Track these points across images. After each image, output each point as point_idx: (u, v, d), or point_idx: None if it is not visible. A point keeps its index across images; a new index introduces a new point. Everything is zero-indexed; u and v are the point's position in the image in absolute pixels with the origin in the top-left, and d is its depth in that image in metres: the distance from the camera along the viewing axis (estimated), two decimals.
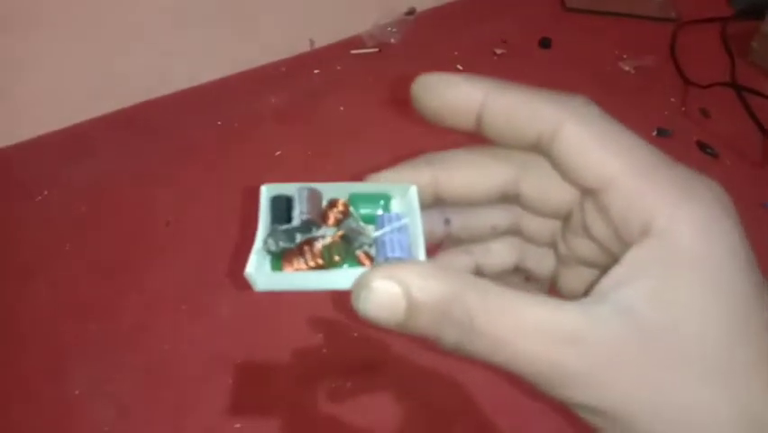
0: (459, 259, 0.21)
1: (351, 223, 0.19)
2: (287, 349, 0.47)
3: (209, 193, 0.58)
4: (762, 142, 0.61)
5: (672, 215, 0.15)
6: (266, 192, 0.19)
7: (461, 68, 0.71)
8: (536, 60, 0.72)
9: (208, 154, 0.62)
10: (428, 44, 0.74)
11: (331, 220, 0.19)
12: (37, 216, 0.57)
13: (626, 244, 0.16)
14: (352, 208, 0.19)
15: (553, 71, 0.71)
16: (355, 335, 0.47)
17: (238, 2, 0.65)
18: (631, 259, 0.15)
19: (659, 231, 0.15)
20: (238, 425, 0.43)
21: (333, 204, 0.19)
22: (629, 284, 0.15)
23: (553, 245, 0.20)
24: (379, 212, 0.20)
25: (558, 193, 0.18)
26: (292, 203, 0.19)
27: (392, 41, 0.73)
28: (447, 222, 0.21)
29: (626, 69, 0.70)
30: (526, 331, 0.14)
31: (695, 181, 0.16)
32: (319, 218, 0.19)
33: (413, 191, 0.19)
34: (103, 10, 0.59)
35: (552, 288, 0.21)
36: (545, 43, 0.74)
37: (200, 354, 0.47)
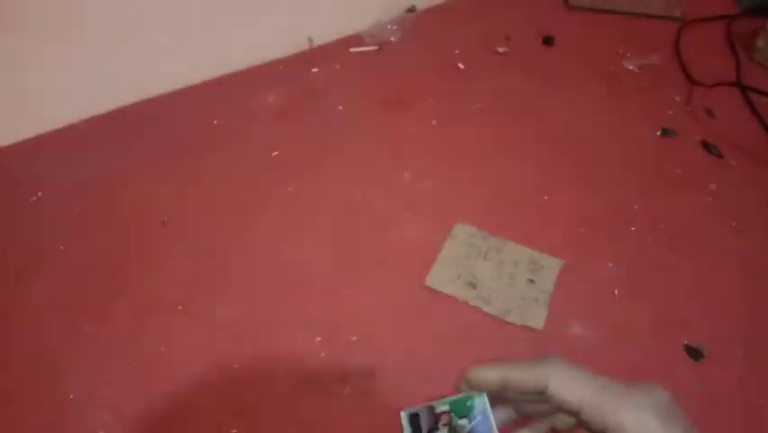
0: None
1: (454, 423, 0.31)
2: (284, 352, 0.46)
3: (205, 193, 0.58)
4: (767, 142, 0.60)
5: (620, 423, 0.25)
6: (404, 415, 0.31)
7: (462, 66, 0.70)
8: (540, 59, 0.71)
9: (204, 154, 0.61)
10: (429, 42, 0.73)
11: (442, 423, 0.31)
12: (31, 217, 0.56)
13: None
14: (453, 415, 0.31)
15: (557, 69, 0.70)
16: (354, 339, 0.47)
17: None
18: None
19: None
20: (234, 430, 0.43)
21: (443, 413, 0.31)
22: None
23: None
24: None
25: None
26: (419, 418, 0.31)
27: (392, 39, 0.72)
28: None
29: (630, 67, 0.69)
30: None
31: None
32: (434, 424, 0.31)
33: (484, 397, 0.31)
34: (98, 9, 0.59)
35: None
36: (548, 41, 0.73)
37: (196, 356, 0.47)
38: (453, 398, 0.32)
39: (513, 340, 0.46)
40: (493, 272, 0.50)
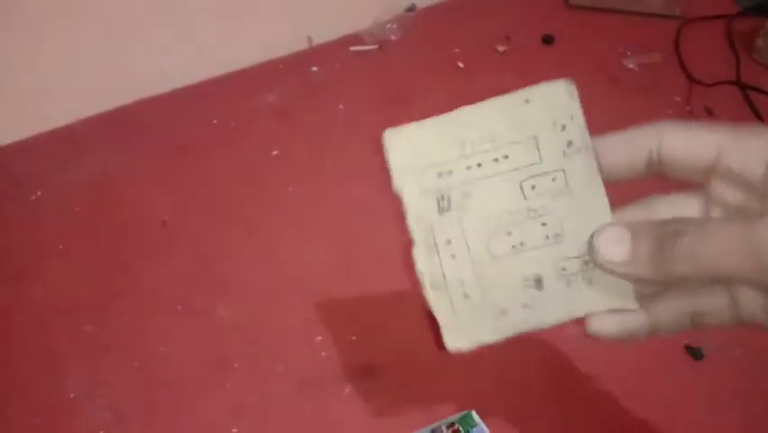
0: None
1: None
2: (284, 352, 0.46)
3: (205, 193, 0.57)
4: None
5: None
6: None
7: (462, 65, 0.70)
8: (539, 57, 0.71)
9: (204, 153, 0.61)
10: (429, 41, 0.73)
11: None
12: (31, 217, 0.56)
13: None
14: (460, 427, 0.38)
15: (557, 68, 0.70)
16: (354, 338, 0.47)
17: None
18: None
19: None
20: (235, 430, 0.43)
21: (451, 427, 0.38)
22: None
23: None
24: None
25: None
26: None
27: (392, 37, 0.72)
28: None
29: (630, 66, 0.69)
30: None
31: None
32: None
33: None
34: (98, 8, 0.58)
35: None
36: (548, 40, 0.73)
37: (196, 356, 0.47)
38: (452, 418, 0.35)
39: (512, 339, 0.46)
40: None
